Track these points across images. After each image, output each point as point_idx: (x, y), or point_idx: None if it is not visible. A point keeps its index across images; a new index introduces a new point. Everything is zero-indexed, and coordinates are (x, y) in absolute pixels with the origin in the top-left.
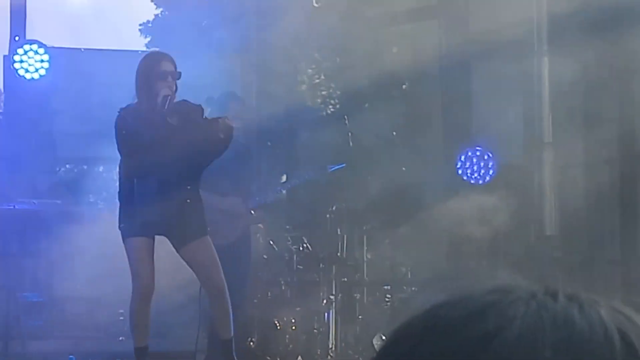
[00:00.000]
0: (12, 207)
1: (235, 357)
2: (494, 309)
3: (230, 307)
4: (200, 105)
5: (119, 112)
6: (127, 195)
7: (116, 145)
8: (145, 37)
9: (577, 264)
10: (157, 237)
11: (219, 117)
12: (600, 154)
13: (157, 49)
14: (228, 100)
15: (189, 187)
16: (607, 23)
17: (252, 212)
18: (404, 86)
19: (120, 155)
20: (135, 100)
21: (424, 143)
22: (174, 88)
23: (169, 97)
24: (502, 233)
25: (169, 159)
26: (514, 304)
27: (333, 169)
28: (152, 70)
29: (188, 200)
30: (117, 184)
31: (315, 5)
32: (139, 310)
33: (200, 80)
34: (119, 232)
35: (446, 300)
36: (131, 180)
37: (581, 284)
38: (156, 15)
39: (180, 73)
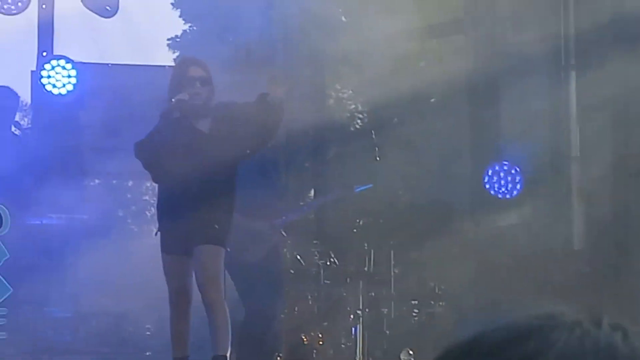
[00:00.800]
0: (39, 222)
1: None
2: (537, 333)
3: (228, 322)
4: (234, 102)
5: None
6: (161, 208)
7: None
8: (174, 51)
9: (605, 277)
10: None
11: (264, 94)
12: (628, 167)
13: (189, 56)
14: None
15: (220, 195)
16: (634, 36)
17: (280, 228)
18: (432, 100)
19: (152, 166)
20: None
21: (451, 157)
22: (203, 93)
23: (184, 102)
24: (530, 248)
25: (198, 167)
26: (558, 330)
27: (359, 189)
28: (180, 76)
29: (215, 206)
30: (145, 198)
31: (344, 19)
32: (174, 320)
33: (227, 95)
34: (147, 246)
35: (493, 323)
36: (163, 193)
37: (610, 297)
38: (184, 30)
39: (210, 78)
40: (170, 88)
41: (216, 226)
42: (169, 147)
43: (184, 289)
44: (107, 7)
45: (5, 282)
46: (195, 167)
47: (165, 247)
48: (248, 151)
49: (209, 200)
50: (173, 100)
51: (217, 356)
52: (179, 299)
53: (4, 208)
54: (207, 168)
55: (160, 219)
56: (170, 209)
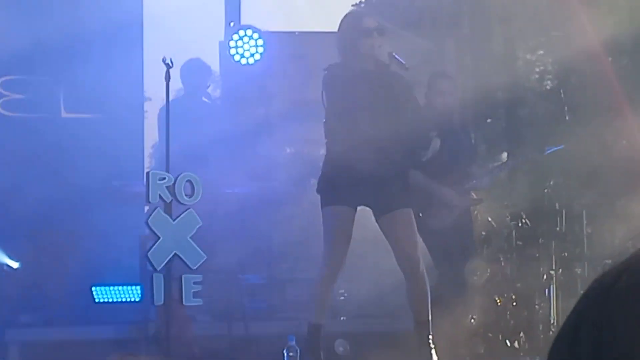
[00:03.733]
0: (231, 191)
1: (431, 342)
2: None
3: (427, 287)
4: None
5: (324, 71)
6: (331, 160)
7: (324, 108)
8: None
9: None
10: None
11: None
12: None
13: (358, 10)
14: (438, 79)
15: (398, 154)
16: None
17: (471, 191)
18: (623, 61)
19: (326, 118)
20: (339, 60)
21: None
22: (382, 45)
23: (373, 58)
24: None
25: (379, 123)
26: None
27: (550, 150)
28: (355, 27)
29: (395, 168)
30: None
31: None
32: (324, 282)
33: (413, 60)
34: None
35: None
36: (336, 145)
37: None
38: None
39: (384, 29)
40: (342, 40)
41: (401, 188)
42: (358, 102)
43: (344, 245)
44: None
45: (199, 249)
46: (381, 125)
47: (333, 199)
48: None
49: (399, 161)
50: (352, 53)
51: (419, 322)
52: (339, 254)
53: (195, 177)
54: (393, 125)
55: (330, 170)
56: (347, 162)
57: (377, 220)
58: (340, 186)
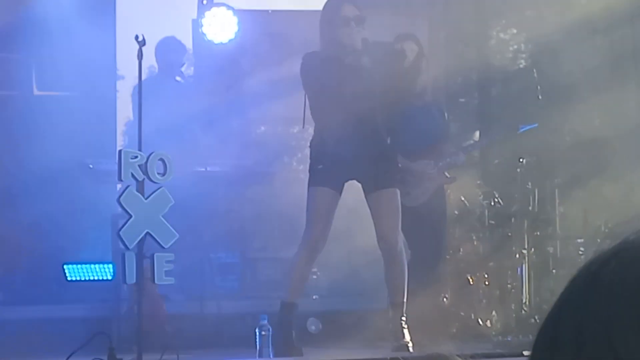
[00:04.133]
0: (204, 170)
1: (403, 324)
2: None
3: (405, 269)
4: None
5: (302, 59)
6: (318, 144)
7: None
8: None
9: None
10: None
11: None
12: None
13: None
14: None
15: (384, 132)
16: None
17: (445, 172)
18: (596, 37)
19: (310, 104)
20: (319, 48)
21: (618, 94)
22: (359, 33)
23: (351, 46)
24: None
25: (360, 104)
26: None
27: (524, 129)
28: (334, 16)
29: (384, 147)
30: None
31: None
32: (302, 262)
33: (387, 39)
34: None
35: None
36: (321, 128)
37: None
38: None
39: (364, 17)
40: (323, 27)
41: (390, 167)
42: (337, 87)
43: (325, 226)
44: None
45: (171, 228)
46: (359, 107)
47: (318, 181)
48: (408, 88)
49: (377, 142)
50: (342, 45)
51: (395, 303)
52: (319, 236)
53: (167, 156)
54: (372, 108)
55: (317, 152)
56: (334, 148)
57: (365, 197)
58: (326, 168)
